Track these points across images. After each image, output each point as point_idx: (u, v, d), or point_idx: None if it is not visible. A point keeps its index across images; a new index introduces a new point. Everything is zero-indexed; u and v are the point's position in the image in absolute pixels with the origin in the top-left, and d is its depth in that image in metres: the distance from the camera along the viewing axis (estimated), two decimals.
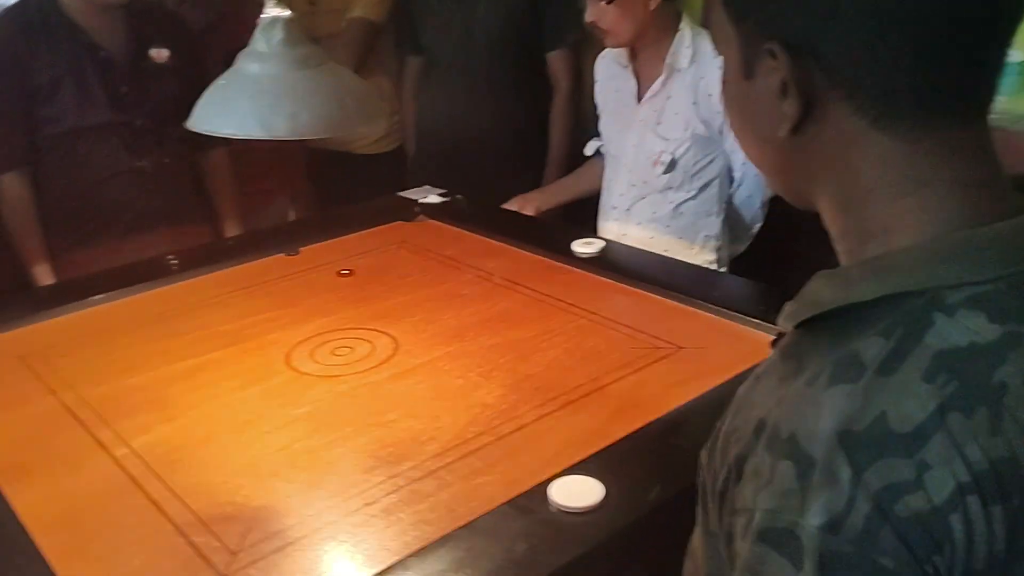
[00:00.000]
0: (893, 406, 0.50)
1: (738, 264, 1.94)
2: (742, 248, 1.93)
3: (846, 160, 0.57)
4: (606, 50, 1.92)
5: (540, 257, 1.68)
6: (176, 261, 1.67)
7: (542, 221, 1.91)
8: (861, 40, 0.53)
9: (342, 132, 1.09)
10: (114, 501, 1.02)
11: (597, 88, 2.00)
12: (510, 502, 0.95)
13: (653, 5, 1.72)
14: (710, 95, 1.76)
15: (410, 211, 1.93)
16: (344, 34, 2.33)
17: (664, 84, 1.81)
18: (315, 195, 2.52)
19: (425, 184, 2.06)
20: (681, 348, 1.30)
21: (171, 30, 2.00)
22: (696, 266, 1.72)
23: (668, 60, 1.78)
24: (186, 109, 1.88)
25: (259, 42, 1.07)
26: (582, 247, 1.63)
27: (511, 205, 2.02)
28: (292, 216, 2.48)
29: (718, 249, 1.87)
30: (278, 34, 1.07)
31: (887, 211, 0.56)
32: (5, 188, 1.88)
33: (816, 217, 0.63)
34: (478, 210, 1.94)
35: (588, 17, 1.75)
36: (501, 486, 1.01)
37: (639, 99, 1.86)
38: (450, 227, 1.87)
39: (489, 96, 2.29)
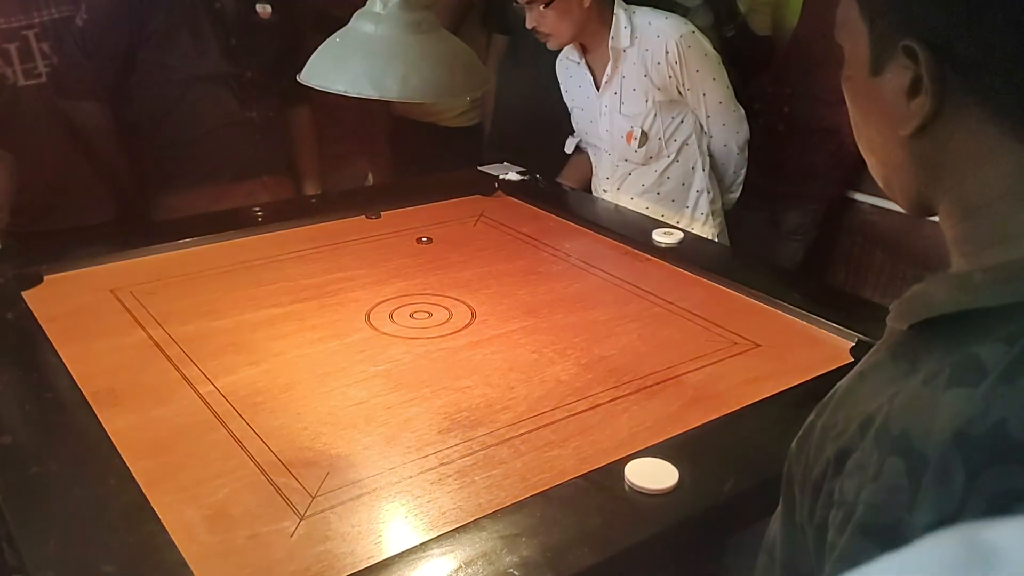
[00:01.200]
0: (1014, 414, 0.49)
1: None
2: (734, 196, 2.02)
3: (975, 166, 0.56)
4: (561, 52, 2.00)
5: (617, 242, 1.68)
6: (260, 213, 1.71)
7: (620, 207, 1.90)
8: (1004, 47, 0.53)
9: (449, 98, 1.11)
10: (200, 435, 1.05)
11: (563, 89, 2.07)
12: (585, 476, 0.96)
13: (587, 3, 1.78)
14: (658, 63, 1.83)
15: (489, 186, 1.94)
16: (437, 4, 2.34)
17: (614, 67, 1.88)
18: (394, 162, 2.55)
19: (500, 160, 2.08)
20: (759, 345, 1.30)
21: None
22: (776, 265, 1.72)
23: (612, 44, 1.85)
24: (284, 64, 1.93)
25: (375, 3, 1.09)
26: (662, 236, 1.63)
27: None
28: (370, 180, 2.51)
29: (711, 202, 1.96)
30: None
31: (1015, 220, 0.56)
32: (87, 115, 1.91)
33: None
34: (556, 190, 1.95)
35: (528, 23, 1.81)
36: (574, 460, 1.02)
37: (598, 88, 1.94)
38: (527, 205, 1.89)
39: None
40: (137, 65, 1.89)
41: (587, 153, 2.14)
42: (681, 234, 1.65)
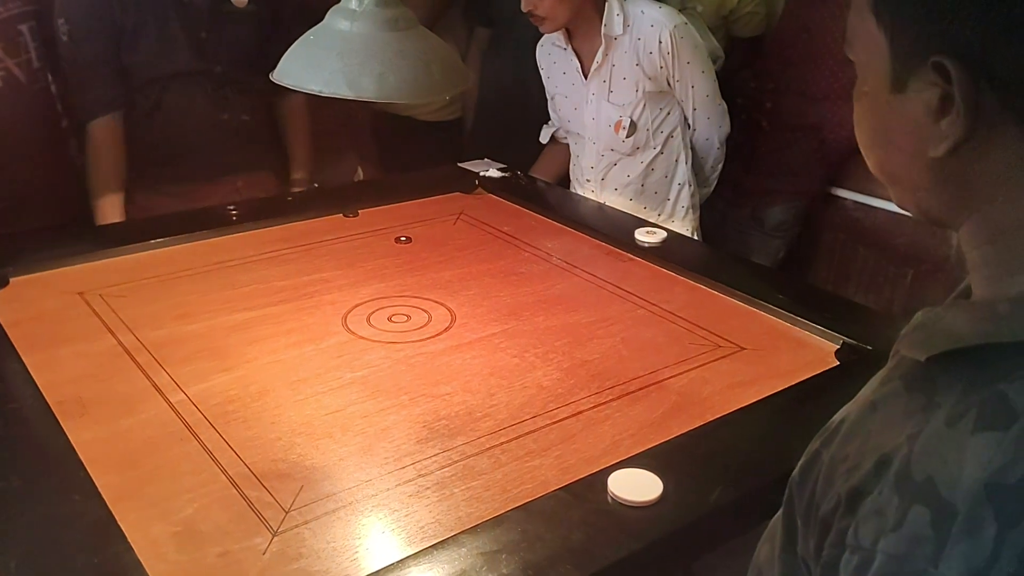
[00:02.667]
0: None
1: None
2: (709, 190, 2.03)
3: (1006, 187, 0.53)
4: (543, 38, 1.98)
5: (599, 242, 1.66)
6: (235, 212, 1.67)
7: (603, 206, 1.88)
8: None
9: (427, 98, 1.07)
10: (169, 447, 1.02)
11: (544, 76, 2.04)
12: (567, 488, 0.94)
13: None
14: (651, 53, 1.81)
15: (470, 183, 1.91)
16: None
17: (605, 54, 1.86)
18: (377, 156, 2.51)
19: (480, 155, 2.04)
20: (743, 349, 1.28)
21: None
22: (760, 265, 1.70)
23: (603, 31, 1.83)
24: (263, 57, 1.88)
25: (351, 0, 1.06)
26: (645, 236, 1.61)
27: None
28: (360, 175, 2.47)
29: (692, 195, 1.97)
30: None
31: None
32: (96, 133, 1.86)
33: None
34: (537, 187, 1.92)
35: (524, 6, 1.79)
36: (556, 471, 1.00)
37: (585, 75, 1.91)
38: (508, 203, 1.86)
39: None
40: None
41: (563, 144, 2.11)
42: (664, 233, 1.63)
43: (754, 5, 2.37)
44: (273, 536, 0.88)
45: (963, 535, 0.47)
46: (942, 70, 0.52)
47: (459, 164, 2.01)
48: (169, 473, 0.97)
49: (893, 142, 0.59)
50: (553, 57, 1.99)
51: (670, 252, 1.58)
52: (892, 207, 2.20)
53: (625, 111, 1.88)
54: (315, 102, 2.12)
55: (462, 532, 0.88)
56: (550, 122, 2.11)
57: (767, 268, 1.72)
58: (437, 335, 1.30)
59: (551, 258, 1.58)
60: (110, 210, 1.88)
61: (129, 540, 0.84)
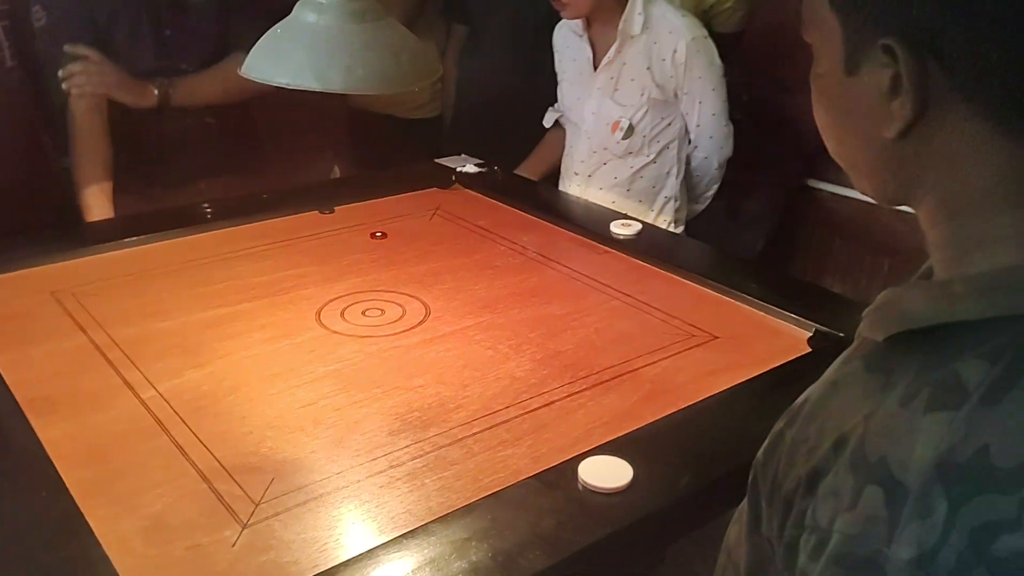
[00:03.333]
0: (997, 439, 0.46)
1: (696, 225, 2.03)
2: (700, 208, 2.02)
3: (959, 166, 0.53)
4: (563, 21, 1.96)
5: (575, 235, 1.66)
6: (210, 210, 1.67)
7: (579, 200, 1.88)
8: (993, 39, 0.49)
9: (397, 89, 1.06)
10: (139, 442, 1.01)
11: (556, 58, 2.03)
12: (538, 476, 0.94)
13: None
14: (663, 60, 1.80)
15: (446, 179, 1.91)
16: None
17: (618, 51, 1.84)
18: (355, 155, 2.50)
19: (460, 152, 2.04)
20: (716, 337, 1.28)
21: None
22: (735, 257, 1.71)
23: (621, 27, 1.81)
24: (225, 54, 1.85)
25: None
26: (620, 228, 1.61)
27: None
28: (336, 173, 2.46)
29: (676, 210, 1.95)
30: None
31: (1000, 223, 0.53)
32: (79, 109, 1.81)
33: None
34: (515, 182, 1.92)
35: None
36: (528, 460, 1.00)
37: (595, 67, 1.89)
38: (485, 198, 1.86)
39: (532, 70, 2.26)
40: None
41: (563, 132, 2.09)
42: (639, 226, 1.63)
43: (734, 1, 2.38)
44: (243, 528, 0.87)
45: (914, 515, 0.47)
46: (891, 51, 0.52)
47: (436, 160, 2.01)
48: (139, 469, 0.96)
49: (847, 125, 0.59)
50: (567, 42, 1.97)
51: (645, 244, 1.59)
52: (868, 198, 2.24)
53: (626, 112, 1.86)
54: (289, 102, 2.12)
55: (432, 521, 0.88)
56: (556, 105, 2.08)
57: (741, 259, 1.73)
58: (411, 328, 1.30)
59: (527, 251, 1.59)
60: (98, 200, 1.82)
61: (97, 535, 0.84)
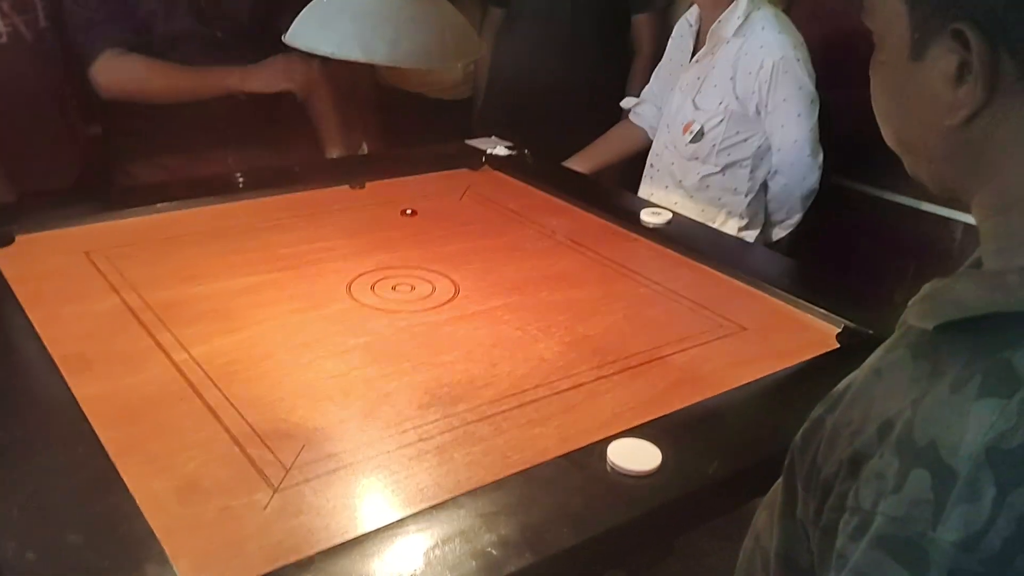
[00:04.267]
0: None
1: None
2: (780, 235, 1.93)
3: (1020, 157, 0.53)
4: (690, 9, 1.91)
5: (605, 221, 1.66)
6: (243, 179, 1.68)
7: (610, 185, 1.88)
8: None
9: (439, 65, 1.07)
10: (172, 404, 1.02)
11: (669, 44, 1.99)
12: (566, 456, 0.94)
13: None
14: (749, 73, 1.73)
15: (476, 160, 1.91)
16: None
17: (710, 52, 1.78)
18: (383, 132, 2.51)
19: (489, 134, 2.04)
20: (745, 329, 1.28)
21: None
22: (765, 249, 1.70)
23: (714, 27, 1.75)
24: (262, 26, 1.86)
25: None
26: (650, 216, 1.61)
27: None
28: (364, 149, 2.47)
29: (740, 228, 1.87)
30: None
31: None
32: (103, 75, 1.83)
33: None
34: (545, 166, 1.92)
35: None
36: (556, 440, 1.00)
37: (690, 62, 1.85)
38: (515, 180, 1.86)
39: (569, 54, 2.26)
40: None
41: (633, 128, 2.03)
42: (670, 215, 1.63)
43: None
44: (274, 492, 0.88)
45: (962, 498, 0.47)
46: (961, 37, 0.52)
47: (467, 141, 2.01)
48: (171, 430, 0.97)
49: (910, 111, 0.59)
50: (680, 31, 1.93)
51: (675, 233, 1.58)
52: (897, 198, 2.22)
53: (700, 116, 1.78)
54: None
55: (461, 494, 0.88)
56: (644, 92, 2.02)
57: (770, 251, 1.73)
58: (440, 305, 1.30)
59: (556, 235, 1.59)
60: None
61: (131, 492, 0.85)
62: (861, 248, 2.28)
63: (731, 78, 1.75)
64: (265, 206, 1.61)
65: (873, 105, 0.63)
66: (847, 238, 2.31)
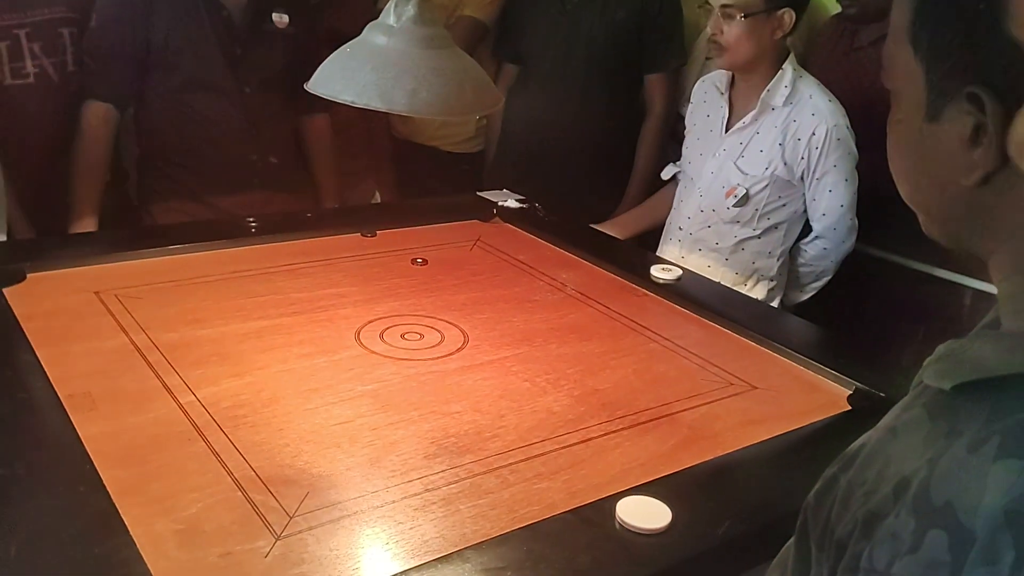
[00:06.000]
0: None
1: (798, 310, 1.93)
2: (803, 298, 1.94)
3: None
4: (710, 75, 1.93)
5: (614, 276, 1.66)
6: (255, 224, 1.68)
7: (620, 241, 1.88)
8: None
9: (458, 116, 1.09)
10: (176, 445, 1.01)
11: (689, 109, 2.00)
12: (574, 512, 0.93)
13: (779, 35, 1.71)
14: (799, 139, 1.75)
15: (487, 212, 1.92)
16: (451, 31, 2.34)
17: (755, 118, 1.80)
18: (396, 182, 2.53)
19: (501, 187, 2.06)
20: (756, 388, 1.27)
21: None
22: (774, 308, 1.69)
23: (764, 96, 1.77)
24: (295, 77, 1.90)
25: (389, 15, 1.07)
26: (661, 272, 1.61)
27: None
28: (377, 199, 2.49)
29: (770, 290, 1.87)
30: (409, 11, 1.06)
31: None
32: (90, 116, 1.86)
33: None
34: (555, 220, 1.93)
35: (711, 28, 1.74)
36: (563, 495, 0.99)
37: (727, 128, 1.86)
38: (525, 233, 1.86)
39: (582, 111, 2.28)
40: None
41: (675, 190, 2.04)
42: (680, 271, 1.63)
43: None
44: (276, 540, 0.87)
45: (980, 561, 0.46)
46: (976, 100, 0.52)
47: (478, 193, 2.02)
48: (175, 471, 0.96)
49: (925, 171, 0.59)
50: (707, 96, 1.93)
51: (685, 290, 1.58)
52: (907, 262, 2.21)
53: (746, 180, 1.80)
54: (336, 127, 2.15)
55: (467, 548, 0.87)
56: (678, 161, 2.03)
57: (780, 310, 1.72)
58: (449, 355, 1.29)
59: (566, 288, 1.59)
60: (87, 216, 1.85)
61: (132, 534, 0.83)
62: (870, 311, 2.27)
63: (780, 144, 1.77)
64: (277, 251, 1.62)
65: (889, 163, 0.63)
66: (856, 300, 2.30)
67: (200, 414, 1.07)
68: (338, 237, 1.72)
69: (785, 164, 1.77)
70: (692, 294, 1.57)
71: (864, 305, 2.27)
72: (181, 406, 1.09)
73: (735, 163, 1.83)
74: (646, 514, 0.92)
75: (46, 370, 1.11)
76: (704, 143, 1.92)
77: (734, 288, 1.81)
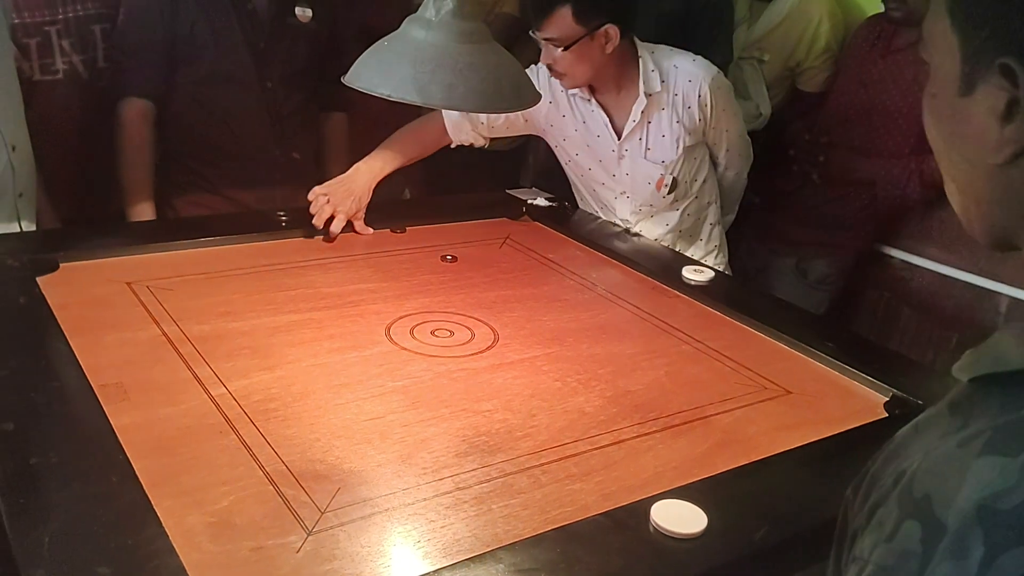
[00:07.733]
0: None
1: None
2: (732, 219, 2.05)
3: None
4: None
5: (645, 276, 1.64)
6: (286, 218, 1.68)
7: (650, 241, 1.86)
8: None
9: (495, 111, 1.08)
10: (207, 438, 1.01)
11: (556, 119, 1.87)
12: (608, 514, 0.92)
13: (610, 49, 1.69)
14: (689, 107, 1.78)
15: (517, 210, 1.91)
16: (490, 27, 2.32)
17: (643, 112, 1.79)
18: (426, 178, 2.52)
19: (530, 185, 2.05)
20: (790, 392, 1.25)
21: None
22: (808, 312, 1.67)
23: (642, 88, 1.76)
24: (316, 73, 1.90)
25: (428, 9, 1.06)
26: (693, 274, 1.59)
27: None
28: (407, 194, 2.48)
29: (721, 234, 1.98)
30: (448, 4, 1.05)
31: None
32: (127, 111, 1.87)
33: None
34: (585, 219, 1.91)
35: (543, 59, 1.71)
36: (596, 496, 0.97)
37: (615, 131, 1.82)
38: (554, 232, 1.85)
39: None
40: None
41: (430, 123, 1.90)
42: (712, 273, 1.61)
43: (820, 62, 2.37)
44: (308, 535, 0.86)
45: (949, 554, 0.45)
46: (1009, 73, 0.51)
47: (508, 191, 2.01)
48: (206, 464, 0.96)
49: (957, 148, 0.57)
50: (574, 105, 1.85)
51: (717, 292, 1.56)
52: (940, 268, 2.18)
53: (666, 169, 1.82)
54: (366, 123, 2.15)
55: (500, 548, 0.86)
56: (465, 116, 1.83)
57: (815, 315, 1.70)
58: (480, 352, 1.28)
59: (596, 288, 1.57)
60: (145, 207, 1.88)
61: (164, 526, 0.83)
62: (902, 317, 2.24)
63: (677, 122, 1.80)
64: (308, 245, 1.62)
65: (929, 140, 0.61)
66: (887, 306, 2.28)
67: (231, 407, 1.07)
68: (368, 232, 1.71)
69: (689, 133, 1.81)
70: (724, 296, 1.55)
71: (899, 310, 2.24)
72: (212, 398, 1.09)
73: (646, 158, 1.83)
74: (681, 518, 0.90)
75: (79, 359, 1.12)
76: (596, 150, 1.86)
77: (692, 248, 1.91)
